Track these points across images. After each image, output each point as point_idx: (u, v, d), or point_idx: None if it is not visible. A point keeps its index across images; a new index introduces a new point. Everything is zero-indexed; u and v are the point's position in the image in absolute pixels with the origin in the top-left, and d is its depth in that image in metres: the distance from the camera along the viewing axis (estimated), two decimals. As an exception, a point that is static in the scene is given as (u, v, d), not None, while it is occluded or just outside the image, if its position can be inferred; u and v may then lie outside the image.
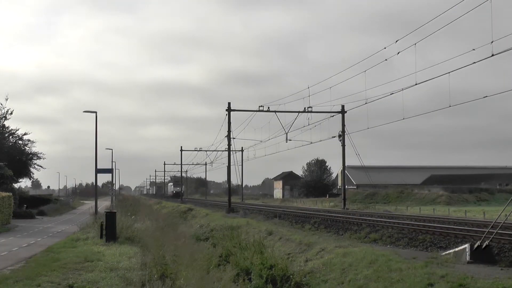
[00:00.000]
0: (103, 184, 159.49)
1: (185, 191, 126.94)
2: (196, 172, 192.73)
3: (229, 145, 51.19)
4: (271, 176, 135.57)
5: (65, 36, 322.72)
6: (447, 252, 16.63)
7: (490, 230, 16.03)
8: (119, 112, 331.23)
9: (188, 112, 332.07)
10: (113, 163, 63.43)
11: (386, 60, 29.61)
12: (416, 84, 27.21)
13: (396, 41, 26.79)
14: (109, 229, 24.12)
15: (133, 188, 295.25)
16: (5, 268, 17.10)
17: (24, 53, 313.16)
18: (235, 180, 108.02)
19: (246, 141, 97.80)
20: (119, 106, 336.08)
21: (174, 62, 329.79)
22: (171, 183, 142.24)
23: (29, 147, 61.54)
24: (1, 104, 59.43)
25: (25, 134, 61.17)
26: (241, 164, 79.38)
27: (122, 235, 24.76)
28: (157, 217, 39.26)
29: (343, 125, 48.16)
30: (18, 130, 61.04)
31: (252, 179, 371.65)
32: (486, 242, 15.38)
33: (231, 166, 54.54)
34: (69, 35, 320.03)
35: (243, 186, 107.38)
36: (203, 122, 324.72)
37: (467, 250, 15.46)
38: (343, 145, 48.53)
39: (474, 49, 21.21)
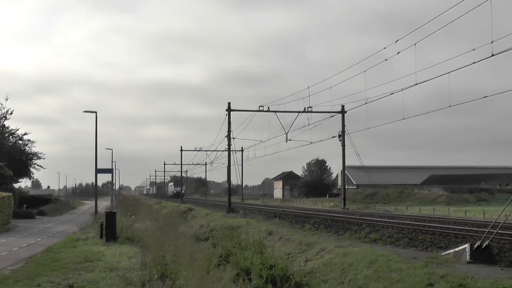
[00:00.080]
0: (103, 184, 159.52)
1: (185, 191, 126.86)
2: (196, 172, 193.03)
3: (229, 145, 51.23)
4: (271, 176, 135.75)
5: (65, 36, 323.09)
6: (447, 252, 16.63)
7: (490, 230, 16.03)
8: (119, 112, 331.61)
9: (188, 112, 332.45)
10: (113, 163, 63.51)
11: (386, 60, 29.65)
12: (416, 84, 27.23)
13: (396, 41, 26.81)
14: (109, 229, 24.12)
15: (133, 188, 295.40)
16: (5, 268, 17.10)
17: (24, 53, 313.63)
18: (235, 180, 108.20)
19: (246, 141, 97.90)
20: (119, 106, 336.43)
21: (174, 62, 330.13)
22: (172, 183, 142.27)
23: (29, 147, 61.60)
24: (1, 104, 59.53)
25: (25, 134, 61.24)
26: (241, 164, 79.49)
27: (122, 235, 24.76)
28: (157, 217, 39.26)
29: (343, 125, 48.18)
30: (18, 130, 61.13)
31: (252, 179, 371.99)
32: (486, 242, 15.38)
33: (231, 166, 54.62)
34: (69, 35, 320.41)
35: (243, 186, 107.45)
36: (203, 122, 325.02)
37: (467, 250, 15.46)
38: (343, 145, 48.53)
39: (474, 49, 21.22)
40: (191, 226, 40.41)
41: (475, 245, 15.47)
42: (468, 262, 15.13)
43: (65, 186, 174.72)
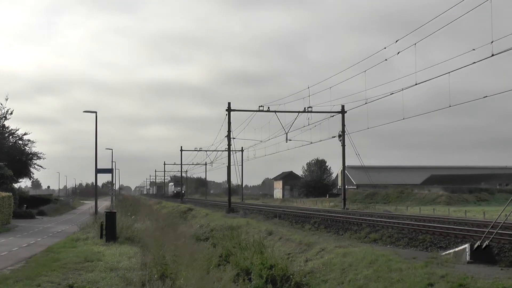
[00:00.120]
0: (103, 184, 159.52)
1: (185, 191, 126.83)
2: (196, 172, 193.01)
3: (229, 145, 51.23)
4: (271, 176, 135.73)
5: (65, 36, 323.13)
6: (447, 252, 16.63)
7: (490, 230, 16.03)
8: (119, 112, 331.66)
9: (188, 112, 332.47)
10: (113, 163, 63.48)
11: (386, 60, 29.66)
12: (416, 84, 27.23)
13: (396, 41, 26.82)
14: (109, 229, 24.11)
15: (133, 188, 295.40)
16: (5, 268, 17.10)
17: (24, 53, 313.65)
18: (235, 180, 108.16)
19: (246, 141, 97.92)
20: (119, 106, 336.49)
21: (174, 62, 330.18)
22: (172, 183, 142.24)
23: (29, 147, 61.62)
24: (1, 104, 59.55)
25: (25, 134, 61.25)
26: (241, 164, 79.48)
27: (122, 235, 24.76)
28: (157, 217, 39.25)
29: (343, 125, 48.18)
30: (18, 130, 61.15)
31: (252, 179, 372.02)
32: (486, 242, 15.38)
33: (231, 166, 54.61)
34: (69, 35, 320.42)
35: (243, 186, 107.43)
36: (203, 122, 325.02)
37: (467, 250, 15.46)
38: (343, 145, 48.53)
39: (474, 49, 21.22)
40: (191, 226, 40.41)
41: (475, 245, 15.47)
42: (468, 262, 15.13)
43: (65, 186, 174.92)
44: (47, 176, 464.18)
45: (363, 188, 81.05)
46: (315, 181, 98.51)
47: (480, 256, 15.23)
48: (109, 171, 49.27)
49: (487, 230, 16.30)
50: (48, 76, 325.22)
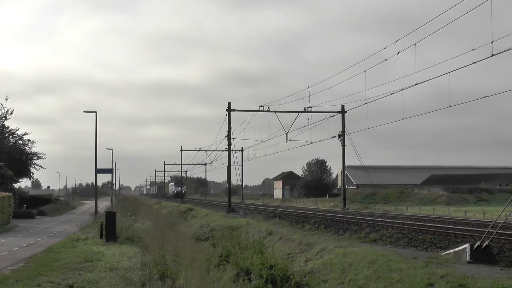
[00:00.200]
0: (103, 184, 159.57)
1: (186, 191, 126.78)
2: (196, 172, 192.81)
3: (229, 145, 51.24)
4: (271, 176, 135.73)
5: (63, 36, 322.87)
6: (447, 252, 16.63)
7: (490, 230, 16.04)
8: (119, 112, 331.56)
9: (187, 112, 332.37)
10: (113, 163, 63.45)
11: (386, 60, 29.66)
12: (416, 84, 27.23)
13: (396, 41, 26.82)
14: (109, 229, 24.12)
15: (133, 188, 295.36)
16: (5, 268, 17.10)
17: (23, 53, 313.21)
18: (235, 180, 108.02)
19: (246, 141, 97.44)
20: (118, 106, 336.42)
21: (173, 62, 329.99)
22: (172, 183, 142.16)
23: (29, 147, 61.67)
24: (1, 104, 59.59)
25: (25, 134, 61.30)
26: (241, 164, 79.40)
27: (122, 235, 24.76)
28: (157, 217, 39.25)
29: (343, 125, 48.18)
30: (18, 130, 61.19)
31: (252, 179, 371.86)
32: (486, 242, 15.39)
33: (231, 166, 54.63)
34: (67, 35, 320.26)
35: (243, 186, 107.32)
36: (203, 122, 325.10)
37: (467, 250, 15.47)
38: (343, 145, 48.54)
39: (474, 49, 21.23)
40: (191, 226, 40.42)
41: (475, 245, 15.48)
42: (468, 262, 15.13)
43: (65, 186, 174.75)
44: (47, 176, 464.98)
45: (363, 188, 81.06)
46: (315, 181, 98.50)
47: (480, 256, 15.23)
48: (109, 171, 49.29)
49: (487, 230, 16.30)
50: (47, 76, 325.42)
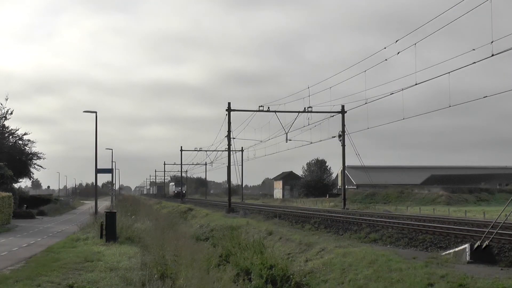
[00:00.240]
0: (103, 184, 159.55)
1: (186, 191, 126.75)
2: (196, 172, 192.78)
3: (229, 145, 51.24)
4: (271, 176, 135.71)
5: (63, 36, 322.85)
6: (447, 252, 16.63)
7: (490, 230, 16.04)
8: (119, 112, 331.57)
9: (187, 112, 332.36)
10: (113, 163, 63.46)
11: (386, 60, 29.67)
12: (416, 84, 27.24)
13: (396, 41, 26.82)
14: (109, 229, 24.12)
15: (133, 188, 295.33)
16: (5, 268, 17.10)
17: (22, 53, 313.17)
18: (235, 180, 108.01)
19: (246, 141, 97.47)
20: (118, 106, 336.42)
21: (173, 62, 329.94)
22: (173, 183, 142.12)
23: (29, 147, 61.68)
24: (1, 104, 59.58)
25: (25, 134, 61.31)
26: (241, 164, 79.40)
27: (122, 235, 24.76)
28: (157, 217, 39.26)
29: (343, 125, 48.18)
30: (18, 130, 61.19)
31: (252, 179, 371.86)
32: (486, 242, 15.39)
33: (231, 166, 54.62)
34: (67, 35, 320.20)
35: (243, 186, 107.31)
36: (203, 122, 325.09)
37: (467, 250, 15.47)
38: (343, 145, 48.54)
39: (474, 49, 21.23)
40: (191, 226, 40.43)
41: (475, 245, 15.48)
42: (468, 262, 15.14)
43: (65, 186, 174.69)
44: (47, 176, 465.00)
45: (363, 188, 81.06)
46: (315, 181, 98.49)
47: (480, 256, 15.23)
48: (109, 171, 49.29)
49: (487, 230, 16.30)
50: (47, 76, 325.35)
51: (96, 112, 42.79)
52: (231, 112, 49.33)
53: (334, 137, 48.42)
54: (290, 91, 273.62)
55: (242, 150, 76.47)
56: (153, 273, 15.84)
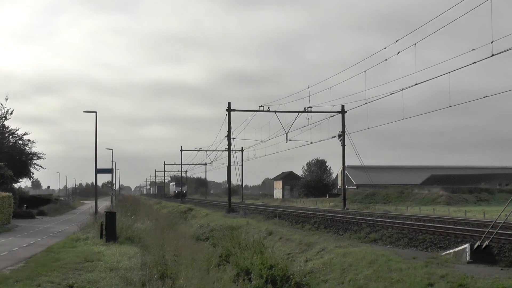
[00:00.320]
0: (103, 184, 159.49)
1: (187, 191, 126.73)
2: (196, 172, 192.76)
3: (229, 145, 51.24)
4: (271, 176, 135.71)
5: (63, 36, 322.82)
6: (447, 252, 16.64)
7: (490, 230, 16.04)
8: (119, 112, 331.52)
9: (187, 112, 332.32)
10: (113, 163, 63.45)
11: (386, 60, 29.67)
12: (416, 84, 27.24)
13: (396, 41, 26.82)
14: (109, 229, 24.12)
15: (133, 188, 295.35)
16: (5, 268, 17.10)
17: (22, 53, 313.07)
18: (235, 180, 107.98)
19: (246, 141, 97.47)
20: (118, 106, 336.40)
21: (173, 62, 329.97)
22: (173, 183, 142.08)
23: (29, 147, 61.68)
24: (1, 104, 59.58)
25: (25, 134, 61.31)
26: (241, 164, 79.40)
27: (122, 235, 24.76)
28: (157, 217, 39.27)
29: (343, 125, 48.19)
30: (18, 130, 61.19)
31: (252, 179, 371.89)
32: (486, 242, 15.39)
33: (231, 166, 54.63)
34: (67, 35, 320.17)
35: (243, 186, 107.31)
36: (203, 122, 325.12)
37: (467, 250, 15.47)
38: (343, 145, 48.54)
39: (474, 49, 21.23)
40: (191, 226, 40.43)
41: (475, 245, 15.48)
42: (468, 262, 15.14)
43: (65, 186, 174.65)
44: (47, 176, 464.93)
45: (363, 188, 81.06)
46: (315, 181, 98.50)
47: (480, 256, 15.23)
48: (109, 171, 49.29)
49: (487, 230, 16.30)
50: (47, 76, 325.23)
51: (96, 112, 42.83)
52: (231, 112, 49.35)
53: (334, 137, 48.45)
54: (290, 91, 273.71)
55: (242, 150, 76.53)
56: (153, 273, 15.84)
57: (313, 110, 45.10)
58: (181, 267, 17.05)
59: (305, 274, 17.81)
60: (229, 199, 51.31)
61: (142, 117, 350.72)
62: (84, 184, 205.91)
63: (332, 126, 70.77)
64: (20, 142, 61.17)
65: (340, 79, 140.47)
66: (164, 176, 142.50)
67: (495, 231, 15.85)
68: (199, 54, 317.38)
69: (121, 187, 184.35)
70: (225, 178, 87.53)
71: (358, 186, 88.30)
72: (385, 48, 28.48)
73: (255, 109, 47.78)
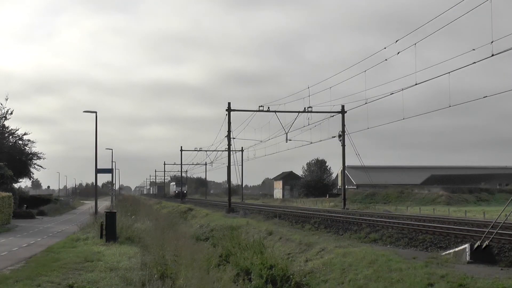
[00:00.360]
0: (103, 184, 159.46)
1: (187, 191, 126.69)
2: (196, 172, 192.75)
3: (229, 145, 51.24)
4: (271, 176, 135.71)
5: (63, 36, 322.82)
6: (447, 252, 16.63)
7: (490, 230, 16.04)
8: (119, 112, 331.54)
9: (187, 112, 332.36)
10: (113, 163, 63.46)
11: (386, 60, 29.68)
12: (416, 84, 27.25)
13: (396, 41, 26.82)
14: (109, 229, 24.12)
15: (133, 188, 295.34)
16: (5, 268, 17.11)
17: (22, 53, 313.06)
18: (235, 180, 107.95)
19: (246, 141, 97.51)
20: (118, 106, 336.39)
21: (173, 62, 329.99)
22: (173, 183, 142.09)
23: (29, 147, 61.68)
24: (1, 104, 59.58)
25: (25, 134, 61.31)
26: (241, 164, 79.41)
27: (122, 235, 24.77)
28: (157, 217, 39.27)
29: (343, 125, 48.19)
30: (18, 130, 61.19)
31: (252, 179, 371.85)
32: (486, 242, 15.39)
33: (231, 166, 54.63)
34: (67, 35, 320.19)
35: (243, 186, 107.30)
36: (203, 122, 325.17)
37: (467, 250, 15.47)
38: (343, 145, 48.54)
39: (474, 49, 21.23)
40: (191, 226, 40.42)
41: (475, 245, 15.48)
42: (468, 262, 15.14)
43: (65, 186, 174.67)
44: (47, 176, 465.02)
45: (363, 188, 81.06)
46: (315, 181, 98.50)
47: (480, 256, 15.23)
48: (109, 171, 49.30)
49: (487, 230, 16.30)
50: (47, 76, 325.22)
51: (96, 112, 42.84)
52: (231, 112, 49.35)
53: (334, 137, 48.45)
54: (290, 91, 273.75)
55: (242, 150, 76.54)
56: (153, 273, 15.84)
57: (313, 110, 45.13)
58: (181, 267, 17.05)
59: (305, 274, 17.81)
60: (229, 199, 51.31)
61: (142, 117, 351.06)
62: (84, 184, 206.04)
63: (332, 126, 70.85)
64: (20, 142, 61.20)
65: (340, 79, 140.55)
66: (164, 176, 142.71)
67: (495, 231, 15.85)
68: (199, 54, 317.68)
69: (121, 187, 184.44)
70: (225, 178, 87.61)
71: (358, 186, 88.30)
72: (385, 48, 28.51)
73: (255, 109, 47.84)
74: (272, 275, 18.60)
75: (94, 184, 51.11)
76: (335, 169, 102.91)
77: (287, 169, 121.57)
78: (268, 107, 47.14)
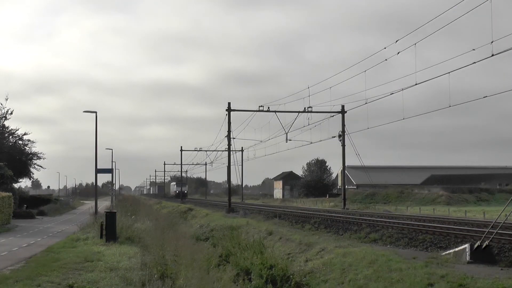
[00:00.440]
0: (103, 184, 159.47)
1: (187, 191, 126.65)
2: (196, 172, 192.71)
3: (229, 145, 51.24)
4: (271, 176, 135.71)
5: (63, 36, 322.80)
6: (447, 252, 16.64)
7: (490, 230, 16.04)
8: (119, 112, 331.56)
9: (187, 112, 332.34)
10: (113, 163, 63.45)
11: (386, 60, 29.68)
12: (416, 84, 27.25)
13: (396, 41, 26.82)
14: (109, 229, 24.12)
15: (133, 188, 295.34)
16: (5, 268, 17.11)
17: (22, 53, 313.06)
18: (235, 180, 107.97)
19: (246, 141, 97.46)
20: (118, 106, 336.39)
21: (173, 62, 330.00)
22: (174, 183, 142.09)
23: (29, 147, 61.67)
24: (1, 104, 59.58)
25: (25, 134, 61.29)
26: (241, 164, 79.40)
27: (122, 235, 24.76)
28: (157, 217, 39.27)
29: (343, 125, 48.19)
30: (18, 130, 61.18)
31: (252, 179, 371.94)
32: (486, 242, 15.39)
33: (231, 166, 54.63)
34: (67, 35, 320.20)
35: (243, 186, 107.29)
36: (203, 122, 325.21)
37: (467, 250, 15.47)
38: (343, 145, 48.55)
39: (474, 49, 21.23)
40: (191, 226, 40.43)
41: (475, 245, 15.48)
42: (468, 262, 15.14)
43: (65, 186, 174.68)
44: (47, 176, 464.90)
45: (363, 188, 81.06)
46: (315, 181, 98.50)
47: (480, 256, 15.23)
48: (109, 171, 49.29)
49: (487, 230, 16.30)
50: (47, 76, 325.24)
51: (96, 112, 42.83)
52: (231, 112, 49.35)
53: (334, 137, 48.45)
54: (290, 91, 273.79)
55: (242, 150, 76.54)
56: (153, 273, 15.85)
57: (313, 110, 45.13)
58: (181, 267, 17.05)
59: (305, 274, 17.81)
60: (229, 199, 51.31)
61: (142, 117, 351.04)
62: (84, 184, 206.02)
63: (332, 126, 70.87)
64: (20, 142, 61.19)
65: (340, 79, 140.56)
66: (164, 176, 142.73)
67: (495, 231, 15.85)
68: (199, 54, 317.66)
69: (121, 187, 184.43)
70: (225, 178, 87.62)
71: (358, 186, 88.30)
72: (385, 48, 28.51)
73: (255, 109, 47.84)
74: (272, 275, 18.60)
75: (94, 184, 51.13)
76: (335, 169, 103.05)
77: (287, 169, 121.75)
78: (268, 107, 47.19)
